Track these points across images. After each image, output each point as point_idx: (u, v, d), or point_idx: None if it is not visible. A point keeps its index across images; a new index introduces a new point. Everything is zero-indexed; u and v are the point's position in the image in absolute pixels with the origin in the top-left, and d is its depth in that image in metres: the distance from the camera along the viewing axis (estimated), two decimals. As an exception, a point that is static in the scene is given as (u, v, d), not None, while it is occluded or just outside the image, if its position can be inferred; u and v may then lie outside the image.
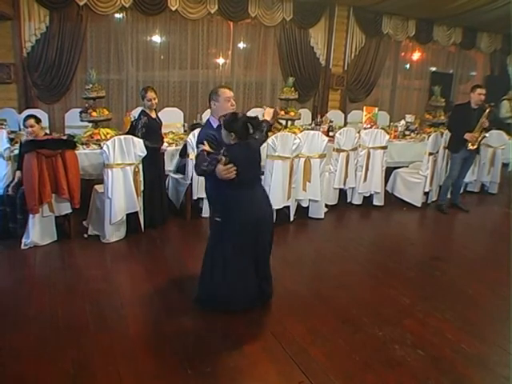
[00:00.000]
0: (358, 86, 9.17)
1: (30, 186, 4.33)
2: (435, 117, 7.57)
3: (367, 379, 2.90)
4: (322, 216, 5.80)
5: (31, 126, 4.65)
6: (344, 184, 6.11)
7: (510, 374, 2.98)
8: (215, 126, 3.45)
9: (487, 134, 6.43)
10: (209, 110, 7.39)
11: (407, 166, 6.76)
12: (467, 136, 5.86)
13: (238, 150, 3.21)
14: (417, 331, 3.43)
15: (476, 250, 5.16)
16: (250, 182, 3.39)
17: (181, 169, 5.63)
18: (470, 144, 5.93)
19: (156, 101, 5.00)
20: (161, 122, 5.22)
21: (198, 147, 3.28)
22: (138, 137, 4.82)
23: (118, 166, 4.68)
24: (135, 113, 5.46)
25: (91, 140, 5.42)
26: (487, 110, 5.88)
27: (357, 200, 6.33)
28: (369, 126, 6.93)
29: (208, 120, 3.55)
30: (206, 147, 3.19)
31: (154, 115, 5.06)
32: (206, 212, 5.57)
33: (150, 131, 4.94)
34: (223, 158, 3.10)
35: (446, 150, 6.47)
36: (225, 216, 3.39)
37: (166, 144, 5.15)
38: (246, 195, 3.36)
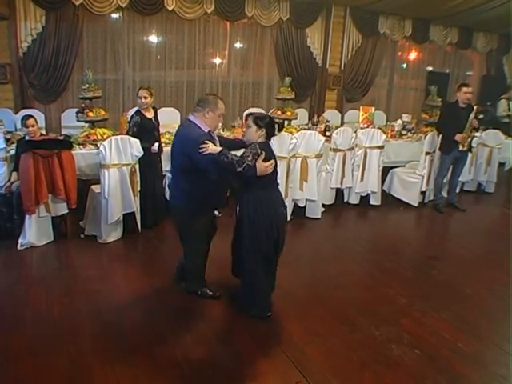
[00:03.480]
0: (354, 86, 9.18)
1: (27, 187, 4.32)
2: (432, 116, 7.57)
3: (364, 379, 2.91)
4: (319, 216, 5.79)
5: (32, 126, 4.65)
6: (341, 184, 6.11)
7: (507, 372, 2.99)
8: (206, 130, 3.34)
9: (477, 134, 6.45)
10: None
11: (404, 166, 6.77)
12: (458, 137, 5.87)
13: (269, 147, 3.32)
14: (414, 331, 3.44)
15: (473, 250, 5.17)
16: (276, 180, 3.43)
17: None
18: (460, 145, 5.95)
19: (147, 100, 4.96)
20: (158, 123, 5.20)
21: (200, 148, 3.14)
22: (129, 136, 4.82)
23: (114, 166, 4.67)
24: (131, 113, 5.46)
25: (88, 140, 5.41)
26: (475, 109, 5.90)
27: (354, 200, 6.33)
28: (365, 125, 6.93)
29: (194, 122, 3.36)
30: (212, 145, 3.17)
31: (149, 115, 5.05)
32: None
33: (143, 131, 4.93)
34: (263, 153, 3.17)
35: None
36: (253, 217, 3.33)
37: (156, 144, 5.08)
38: (274, 194, 3.43)
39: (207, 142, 3.18)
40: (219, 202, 3.72)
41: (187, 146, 3.25)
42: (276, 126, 3.40)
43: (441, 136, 6.20)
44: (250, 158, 3.12)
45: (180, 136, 3.42)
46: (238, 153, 3.28)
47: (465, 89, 5.93)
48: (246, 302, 3.55)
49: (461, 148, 5.97)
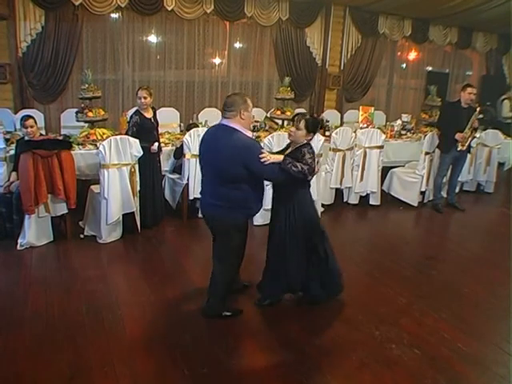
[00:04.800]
0: (354, 86, 9.18)
1: (26, 187, 4.31)
2: (431, 116, 7.58)
3: (364, 378, 2.91)
4: (319, 216, 5.78)
5: (31, 127, 4.66)
6: (340, 183, 6.11)
7: (506, 372, 2.99)
8: (250, 134, 3.25)
9: (477, 135, 6.45)
10: (206, 110, 7.45)
11: (403, 166, 6.77)
12: (458, 136, 5.87)
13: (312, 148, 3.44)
14: (413, 330, 3.44)
15: (472, 249, 5.17)
16: None
17: (177, 169, 5.62)
18: (459, 144, 5.96)
19: (147, 100, 4.94)
20: (157, 123, 5.20)
21: (261, 157, 3.06)
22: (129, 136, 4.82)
23: (114, 166, 4.67)
24: (131, 113, 5.46)
25: (87, 140, 5.42)
26: (477, 110, 5.91)
27: (353, 199, 6.34)
28: (365, 125, 6.93)
29: (235, 128, 3.14)
30: (271, 155, 3.19)
31: (148, 115, 5.04)
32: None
33: (142, 131, 4.92)
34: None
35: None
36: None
37: (156, 144, 5.09)
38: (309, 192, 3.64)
39: (264, 150, 3.14)
40: (260, 209, 3.47)
41: (245, 157, 3.06)
42: (320, 125, 3.52)
43: (440, 135, 6.19)
44: (314, 164, 3.27)
45: (228, 145, 3.09)
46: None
47: (469, 89, 5.94)
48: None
49: (459, 148, 5.97)
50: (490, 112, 9.03)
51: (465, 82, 7.88)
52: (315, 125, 3.40)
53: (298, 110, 7.76)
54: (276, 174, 3.16)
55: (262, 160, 3.05)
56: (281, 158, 3.19)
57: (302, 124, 3.33)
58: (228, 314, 3.50)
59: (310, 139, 3.42)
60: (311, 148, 3.38)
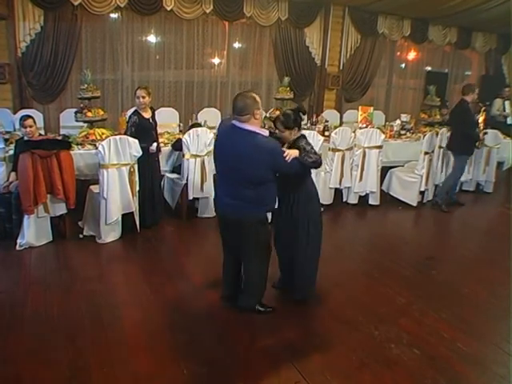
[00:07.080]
0: (353, 86, 9.18)
1: (25, 187, 4.31)
2: (430, 116, 7.59)
3: (364, 378, 2.90)
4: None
5: (30, 126, 4.65)
6: (340, 183, 6.11)
7: (506, 372, 2.99)
8: (266, 133, 3.21)
9: (486, 132, 6.60)
10: (205, 110, 7.44)
11: (403, 166, 6.77)
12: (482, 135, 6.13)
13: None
14: (413, 330, 3.44)
15: (472, 249, 5.17)
16: None
17: (176, 169, 5.62)
18: (478, 142, 6.23)
19: (145, 99, 4.92)
20: (155, 123, 5.18)
21: (284, 155, 3.16)
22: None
23: (113, 166, 4.66)
24: (129, 113, 5.45)
25: (86, 140, 5.41)
26: (483, 109, 6.01)
27: (352, 199, 6.33)
28: (364, 125, 6.93)
29: (254, 131, 3.11)
30: (289, 151, 3.26)
31: (147, 115, 5.03)
32: (201, 212, 5.57)
33: (141, 131, 4.91)
34: None
35: (441, 150, 6.49)
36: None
37: (154, 144, 5.08)
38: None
39: (283, 149, 3.28)
40: (276, 203, 3.54)
41: (273, 160, 3.15)
42: (300, 113, 3.49)
43: (466, 138, 6.13)
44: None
45: (253, 151, 3.09)
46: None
47: (476, 90, 6.15)
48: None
49: (478, 145, 6.28)
50: (489, 112, 9.09)
51: (465, 82, 7.91)
52: (291, 119, 3.41)
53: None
54: (298, 168, 3.29)
55: (286, 158, 3.18)
56: (297, 152, 3.27)
57: (281, 126, 3.42)
58: (261, 309, 3.58)
59: (300, 131, 3.48)
60: (306, 140, 3.45)
